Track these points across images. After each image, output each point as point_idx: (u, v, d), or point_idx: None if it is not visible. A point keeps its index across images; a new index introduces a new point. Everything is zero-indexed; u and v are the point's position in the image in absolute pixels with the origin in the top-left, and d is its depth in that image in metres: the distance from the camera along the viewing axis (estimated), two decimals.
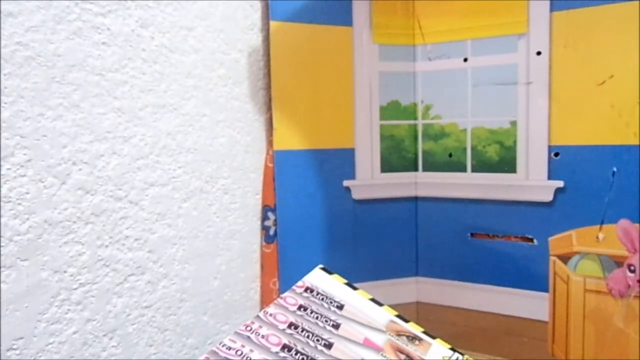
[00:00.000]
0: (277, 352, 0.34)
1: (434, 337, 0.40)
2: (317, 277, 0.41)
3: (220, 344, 0.33)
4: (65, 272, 0.41)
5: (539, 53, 0.55)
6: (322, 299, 0.39)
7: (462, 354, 0.39)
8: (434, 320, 0.62)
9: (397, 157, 0.62)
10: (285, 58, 0.56)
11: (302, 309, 0.38)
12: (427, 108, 0.61)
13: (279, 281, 0.57)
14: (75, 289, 0.41)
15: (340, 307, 0.39)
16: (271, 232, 0.57)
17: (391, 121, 0.61)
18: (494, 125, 0.58)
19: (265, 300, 0.58)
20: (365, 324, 0.38)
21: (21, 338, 0.38)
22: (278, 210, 0.57)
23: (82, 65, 0.41)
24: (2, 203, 0.37)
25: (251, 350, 0.33)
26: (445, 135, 0.60)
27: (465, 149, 0.59)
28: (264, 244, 0.58)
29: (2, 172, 0.37)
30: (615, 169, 0.51)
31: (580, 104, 0.53)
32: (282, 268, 0.57)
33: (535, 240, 0.56)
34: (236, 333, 0.34)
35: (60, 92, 0.40)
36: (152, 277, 0.47)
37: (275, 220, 0.57)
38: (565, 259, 0.54)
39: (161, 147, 0.47)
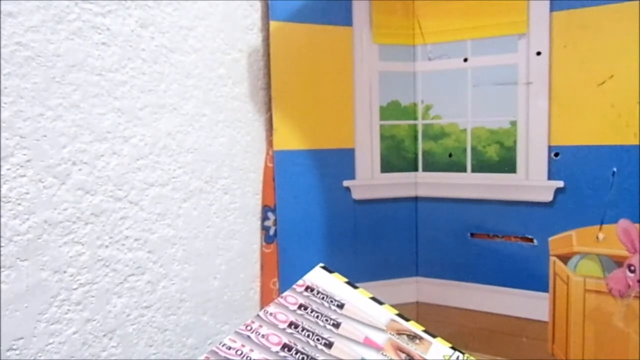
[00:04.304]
0: (277, 352, 0.34)
1: (434, 336, 0.40)
2: (317, 276, 0.41)
3: (220, 343, 0.33)
4: (65, 272, 0.41)
5: (539, 53, 0.55)
6: (323, 298, 0.39)
7: (463, 353, 0.39)
8: (434, 320, 0.62)
9: (397, 157, 0.62)
10: (285, 58, 0.56)
11: (302, 308, 0.38)
12: (427, 108, 0.61)
13: (278, 281, 0.57)
14: (75, 289, 0.41)
15: (341, 306, 0.39)
16: (271, 232, 0.57)
17: (391, 121, 0.61)
18: (494, 125, 0.58)
19: (265, 300, 0.58)
20: (365, 322, 0.38)
21: (21, 338, 0.38)
22: (278, 210, 0.57)
23: (82, 65, 0.41)
24: (2, 203, 0.37)
25: (251, 350, 0.33)
26: (445, 135, 0.60)
27: (465, 149, 0.59)
28: (263, 244, 0.58)
29: (2, 172, 0.37)
30: (615, 169, 0.51)
31: (580, 104, 0.53)
32: (282, 268, 0.57)
33: (535, 240, 0.56)
34: (236, 332, 0.34)
35: (60, 92, 0.40)
36: (152, 277, 0.47)
37: (275, 220, 0.57)
38: (565, 259, 0.54)
39: (161, 147, 0.47)
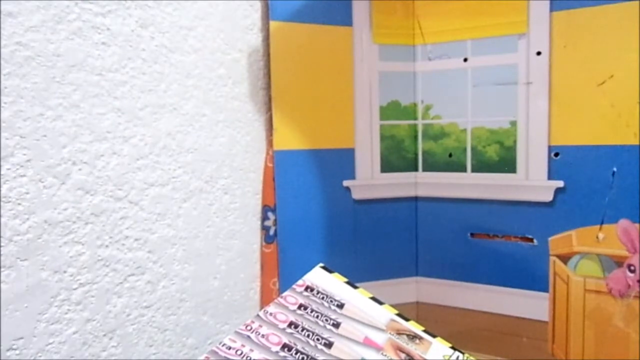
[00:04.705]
0: (277, 352, 0.34)
1: (434, 336, 0.40)
2: (317, 276, 0.41)
3: (220, 343, 0.33)
4: (65, 272, 0.41)
5: (539, 53, 0.55)
6: (323, 298, 0.39)
7: (463, 353, 0.39)
8: (434, 320, 0.62)
9: (397, 157, 0.62)
10: (285, 58, 0.56)
11: (302, 308, 0.38)
12: (427, 108, 0.61)
13: (279, 281, 0.57)
14: (75, 289, 0.41)
15: (341, 305, 0.39)
16: (271, 232, 0.57)
17: (391, 121, 0.61)
18: (494, 125, 0.58)
19: (265, 300, 0.58)
20: (365, 322, 0.38)
21: (21, 338, 0.38)
22: (278, 210, 0.57)
23: (82, 65, 0.41)
24: (2, 203, 0.37)
25: (251, 350, 0.33)
26: (445, 135, 0.60)
27: (465, 149, 0.59)
28: (264, 244, 0.58)
29: (2, 172, 0.37)
30: (615, 169, 0.51)
31: (580, 104, 0.53)
32: (282, 268, 0.57)
33: (535, 240, 0.56)
34: (236, 332, 0.34)
35: (60, 92, 0.40)
36: (152, 277, 0.47)
37: (275, 220, 0.57)
38: (565, 259, 0.54)
39: (161, 147, 0.47)
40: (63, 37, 0.40)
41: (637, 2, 0.49)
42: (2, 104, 0.36)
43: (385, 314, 0.40)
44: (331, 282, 0.41)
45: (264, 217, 0.58)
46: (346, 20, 0.59)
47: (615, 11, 0.50)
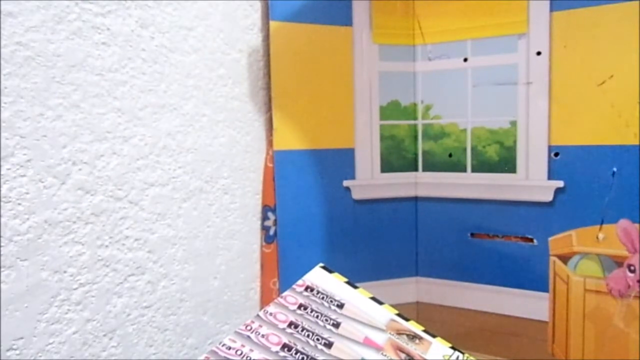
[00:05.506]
0: (277, 352, 0.34)
1: (434, 336, 0.40)
2: (317, 276, 0.41)
3: (220, 343, 0.33)
4: (65, 272, 0.41)
5: (539, 53, 0.55)
6: (323, 298, 0.39)
7: (463, 353, 0.39)
8: (434, 320, 0.62)
9: (397, 157, 0.62)
10: (285, 58, 0.56)
11: (302, 308, 0.38)
12: (427, 108, 0.61)
13: (278, 281, 0.57)
14: (75, 289, 0.41)
15: (341, 305, 0.39)
16: (271, 232, 0.57)
17: (391, 121, 0.61)
18: (494, 125, 0.58)
19: (265, 300, 0.58)
20: (365, 322, 0.38)
21: (21, 338, 0.38)
22: (278, 210, 0.57)
23: (82, 65, 0.41)
24: (2, 203, 0.37)
25: (251, 350, 0.33)
26: (445, 135, 0.60)
27: (465, 149, 0.59)
28: (264, 244, 0.58)
29: (2, 172, 0.37)
30: (615, 169, 0.51)
31: (580, 104, 0.53)
32: (282, 268, 0.57)
33: (535, 240, 0.56)
34: (236, 332, 0.34)
35: (60, 92, 0.40)
36: (152, 277, 0.47)
37: (275, 220, 0.57)
38: (565, 259, 0.54)
39: (161, 147, 0.47)
40: (63, 37, 0.40)
41: (637, 2, 0.49)
42: (2, 104, 0.36)
43: (385, 314, 0.40)
44: (331, 282, 0.41)
45: (264, 217, 0.58)
46: (346, 20, 0.59)
47: (615, 11, 0.50)
